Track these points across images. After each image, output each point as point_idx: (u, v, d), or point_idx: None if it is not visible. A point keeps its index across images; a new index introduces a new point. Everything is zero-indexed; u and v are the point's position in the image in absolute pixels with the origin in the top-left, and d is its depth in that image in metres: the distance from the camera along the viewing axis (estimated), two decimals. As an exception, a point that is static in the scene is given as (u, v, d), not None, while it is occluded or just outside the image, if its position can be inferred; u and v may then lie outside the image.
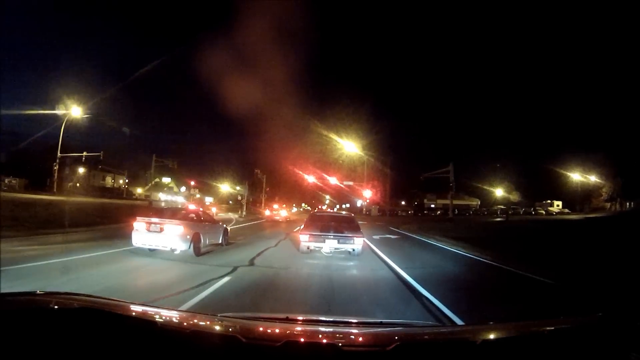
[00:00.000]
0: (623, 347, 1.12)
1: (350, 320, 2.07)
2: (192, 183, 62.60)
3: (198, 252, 8.85)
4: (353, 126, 36.52)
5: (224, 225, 11.36)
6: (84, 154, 31.07)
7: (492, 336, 1.44)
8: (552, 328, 1.40)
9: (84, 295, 1.67)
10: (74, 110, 26.60)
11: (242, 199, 34.34)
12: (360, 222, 22.41)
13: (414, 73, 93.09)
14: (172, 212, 9.88)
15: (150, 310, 1.64)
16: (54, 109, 26.57)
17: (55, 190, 30.19)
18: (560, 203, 53.98)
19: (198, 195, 68.71)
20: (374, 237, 15.41)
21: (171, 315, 1.66)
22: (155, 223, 8.60)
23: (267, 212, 28.46)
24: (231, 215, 27.61)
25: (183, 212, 9.96)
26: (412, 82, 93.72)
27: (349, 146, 34.87)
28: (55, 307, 1.38)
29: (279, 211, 28.19)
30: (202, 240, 9.15)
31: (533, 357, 1.13)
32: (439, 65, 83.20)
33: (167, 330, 1.28)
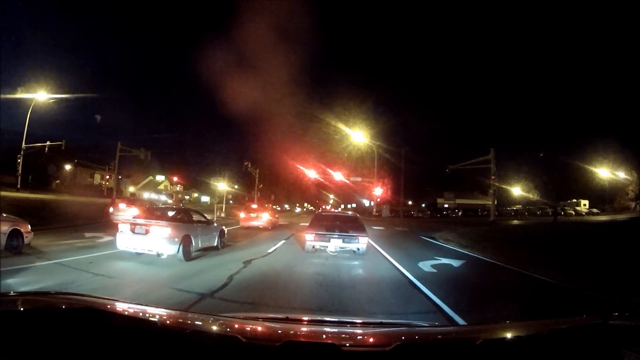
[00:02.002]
0: (619, 346, 1.18)
1: (350, 321, 2.15)
2: (175, 179, 63.34)
3: (188, 256, 8.31)
4: (361, 115, 35.09)
5: (221, 227, 10.66)
6: (47, 143, 30.35)
7: (492, 336, 1.48)
8: (552, 328, 1.41)
9: (83, 295, 1.74)
10: (44, 96, 25.58)
11: (216, 197, 28.11)
12: (376, 228, 20.73)
13: (426, 61, 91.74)
14: (155, 211, 9.24)
15: (150, 310, 1.67)
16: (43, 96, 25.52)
17: (19, 186, 28.94)
18: (587, 202, 53.06)
19: (196, 194, 68.56)
20: (423, 265, 8.80)
21: (171, 315, 1.70)
22: (140, 224, 8.16)
23: (242, 215, 18.99)
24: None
25: (172, 212, 9.27)
26: (424, 71, 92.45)
27: (356, 136, 32.98)
28: (55, 307, 1.44)
29: (260, 214, 18.22)
30: (192, 243, 8.57)
31: (533, 357, 1.20)
32: (455, 52, 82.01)
33: (167, 330, 1.32)
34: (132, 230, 8.10)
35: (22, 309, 1.39)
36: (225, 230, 10.80)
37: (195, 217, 9.60)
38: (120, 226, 8.29)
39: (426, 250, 12.44)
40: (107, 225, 14.18)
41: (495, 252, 11.76)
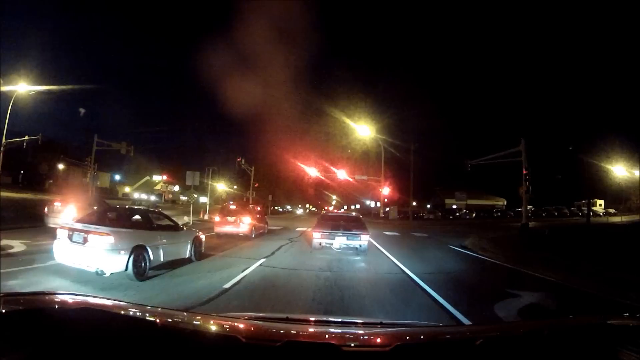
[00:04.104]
0: (616, 345, 1.17)
1: (350, 321, 2.15)
2: (164, 177, 61.95)
3: (142, 274, 6.11)
4: (366, 110, 32.86)
5: (196, 233, 8.35)
6: (26, 138, 28.51)
7: (492, 336, 1.47)
8: (552, 328, 1.42)
9: (83, 295, 1.74)
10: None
11: (192, 195, 22.64)
12: (388, 233, 17.97)
13: (433, 57, 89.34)
14: (106, 213, 6.97)
15: (150, 310, 1.68)
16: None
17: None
18: (602, 202, 51.04)
19: (195, 195, 66.39)
20: (505, 314, 4.93)
21: (171, 315, 1.67)
22: (78, 230, 6.01)
23: (216, 219, 15.09)
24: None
25: (126, 213, 6.94)
26: (429, 67, 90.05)
27: (361, 130, 30.30)
28: (55, 307, 1.43)
29: (239, 217, 13.95)
30: (150, 257, 6.32)
31: (533, 357, 1.19)
32: (463, 46, 79.54)
33: (167, 330, 1.32)
34: (70, 238, 6.01)
35: (21, 308, 1.35)
36: (203, 237, 8.44)
37: (159, 221, 7.29)
38: (59, 232, 6.23)
39: (476, 272, 8.83)
40: (42, 230, 11.24)
41: (572, 273, 7.85)
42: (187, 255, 7.59)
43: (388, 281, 6.90)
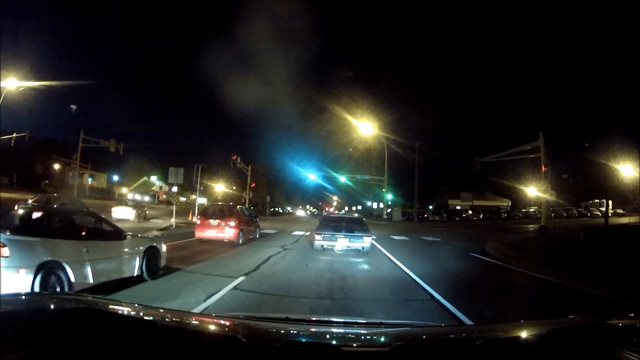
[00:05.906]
0: (614, 344, 1.15)
1: (351, 321, 2.11)
2: (155, 178, 61.14)
3: None
4: (368, 108, 31.25)
5: (153, 241, 6.56)
6: (14, 135, 27.22)
7: (492, 336, 1.44)
8: (552, 328, 1.40)
9: (84, 295, 1.84)
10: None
11: (176, 196, 20.65)
12: (396, 238, 16.40)
13: (435, 56, 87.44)
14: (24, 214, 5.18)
15: (151, 310, 1.66)
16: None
17: None
18: (610, 203, 49.17)
19: (194, 196, 65.06)
20: None
21: (171, 315, 1.65)
22: None
23: (197, 222, 13.09)
24: (158, 222, 16.71)
25: (37, 215, 5.11)
26: (431, 65, 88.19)
27: (364, 128, 28.82)
28: (55, 307, 1.42)
29: (224, 221, 11.73)
30: (69, 277, 4.54)
31: (533, 357, 1.17)
32: (465, 39, 77.67)
33: (167, 330, 1.29)
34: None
35: (21, 308, 1.34)
36: (164, 247, 6.59)
37: (92, 225, 5.41)
38: None
39: (520, 291, 7.03)
40: None
41: None
42: (136, 273, 5.76)
43: (415, 314, 4.85)
